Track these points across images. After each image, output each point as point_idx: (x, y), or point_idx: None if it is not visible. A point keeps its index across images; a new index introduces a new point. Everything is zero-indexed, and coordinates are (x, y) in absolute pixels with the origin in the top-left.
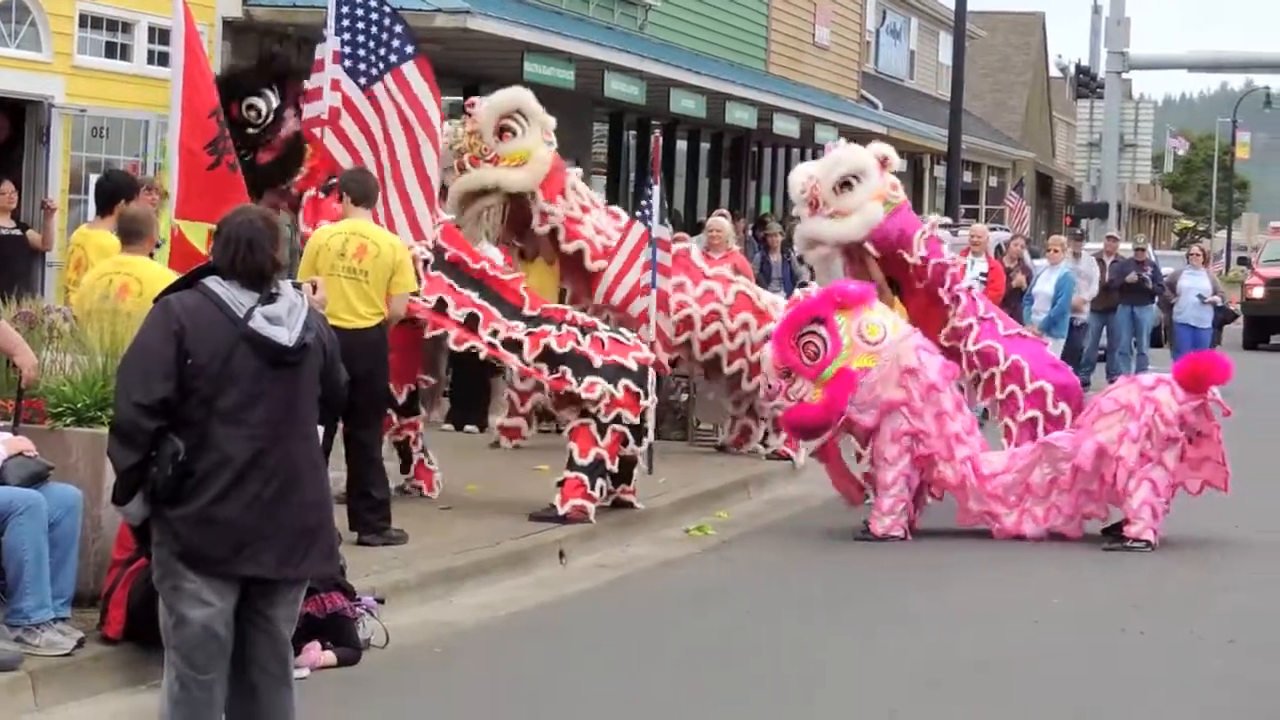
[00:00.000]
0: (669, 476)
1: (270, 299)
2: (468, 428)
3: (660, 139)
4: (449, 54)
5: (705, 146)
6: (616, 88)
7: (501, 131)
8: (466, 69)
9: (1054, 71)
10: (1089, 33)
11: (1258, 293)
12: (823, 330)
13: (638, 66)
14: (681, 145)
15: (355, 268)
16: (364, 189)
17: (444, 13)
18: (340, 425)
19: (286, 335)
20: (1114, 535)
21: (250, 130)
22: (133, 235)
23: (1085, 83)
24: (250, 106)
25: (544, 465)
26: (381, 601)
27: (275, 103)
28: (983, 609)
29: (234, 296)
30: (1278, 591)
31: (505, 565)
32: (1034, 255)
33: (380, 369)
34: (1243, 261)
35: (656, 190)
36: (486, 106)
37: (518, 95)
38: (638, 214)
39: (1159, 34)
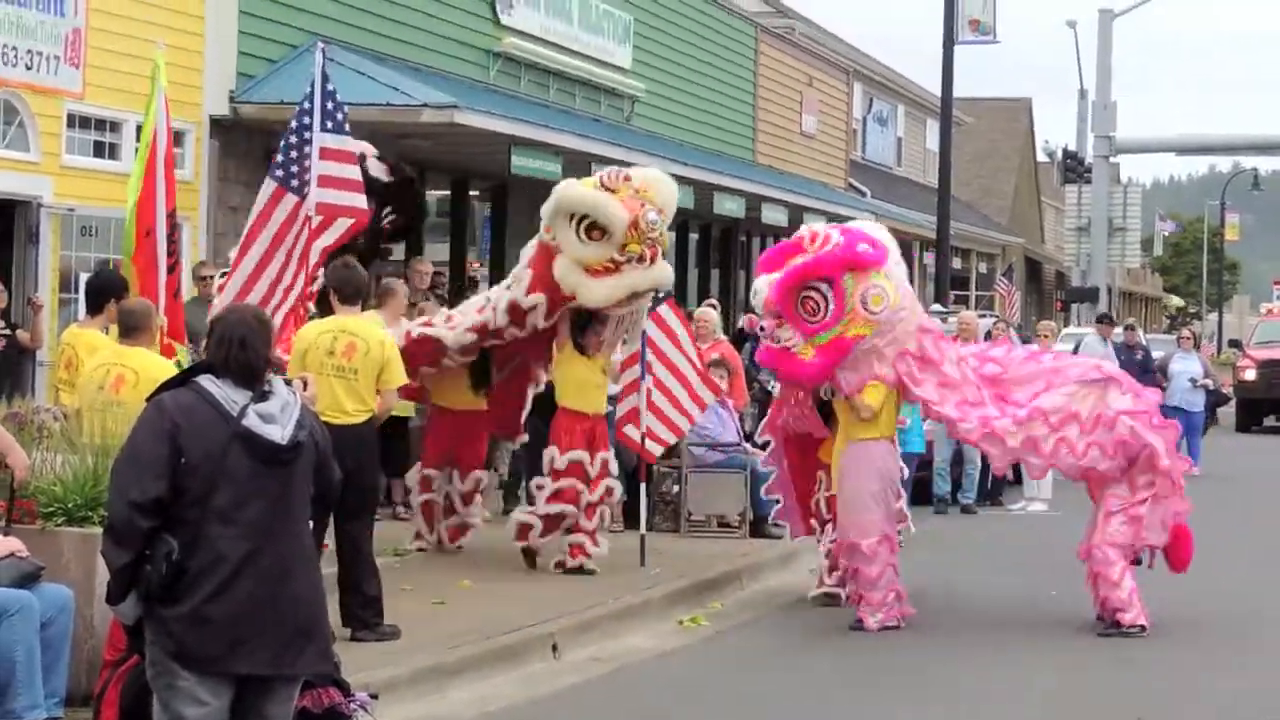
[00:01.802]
0: (662, 568)
1: (263, 396)
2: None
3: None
4: (437, 149)
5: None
6: None
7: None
8: (454, 163)
9: (1041, 157)
10: (1076, 117)
11: (1250, 375)
12: (828, 291)
13: (624, 158)
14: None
15: (344, 366)
16: (352, 286)
17: (431, 108)
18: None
19: (280, 433)
20: (1108, 623)
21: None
22: (131, 329)
23: (1073, 167)
24: None
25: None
26: (375, 697)
27: None
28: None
29: (227, 395)
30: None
31: (498, 659)
32: (1024, 340)
33: (370, 463)
34: (1234, 344)
35: None
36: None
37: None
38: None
39: (1146, 118)
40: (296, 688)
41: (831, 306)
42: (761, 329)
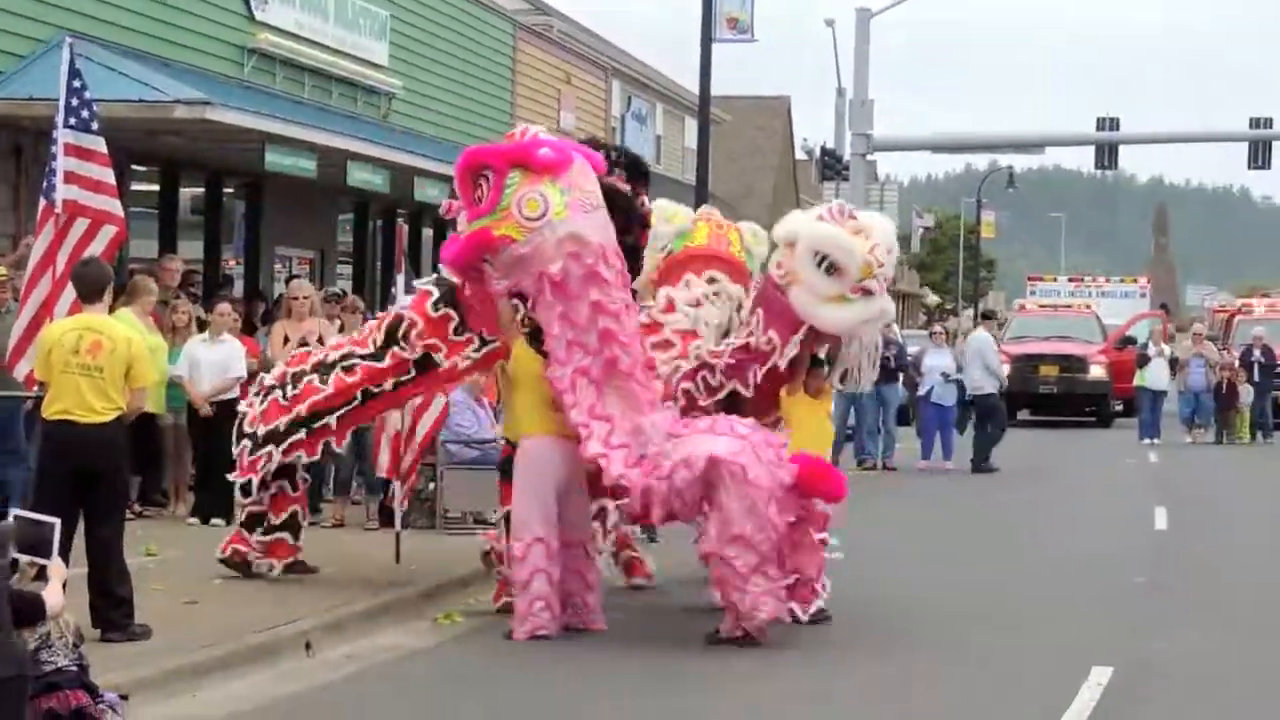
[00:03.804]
0: (418, 564)
1: None
2: (214, 520)
3: (405, 227)
4: (190, 145)
5: (451, 234)
6: (360, 177)
7: None
8: (208, 160)
9: (800, 155)
10: (834, 116)
11: (1004, 370)
12: (492, 179)
13: (381, 155)
14: (427, 233)
15: (89, 364)
16: (88, 284)
17: (183, 104)
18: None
19: None
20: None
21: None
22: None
23: (831, 165)
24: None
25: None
26: (125, 698)
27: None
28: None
29: None
30: None
31: (251, 658)
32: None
33: (120, 463)
34: None
35: (401, 279)
36: None
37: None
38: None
39: (904, 116)
40: None
41: (488, 197)
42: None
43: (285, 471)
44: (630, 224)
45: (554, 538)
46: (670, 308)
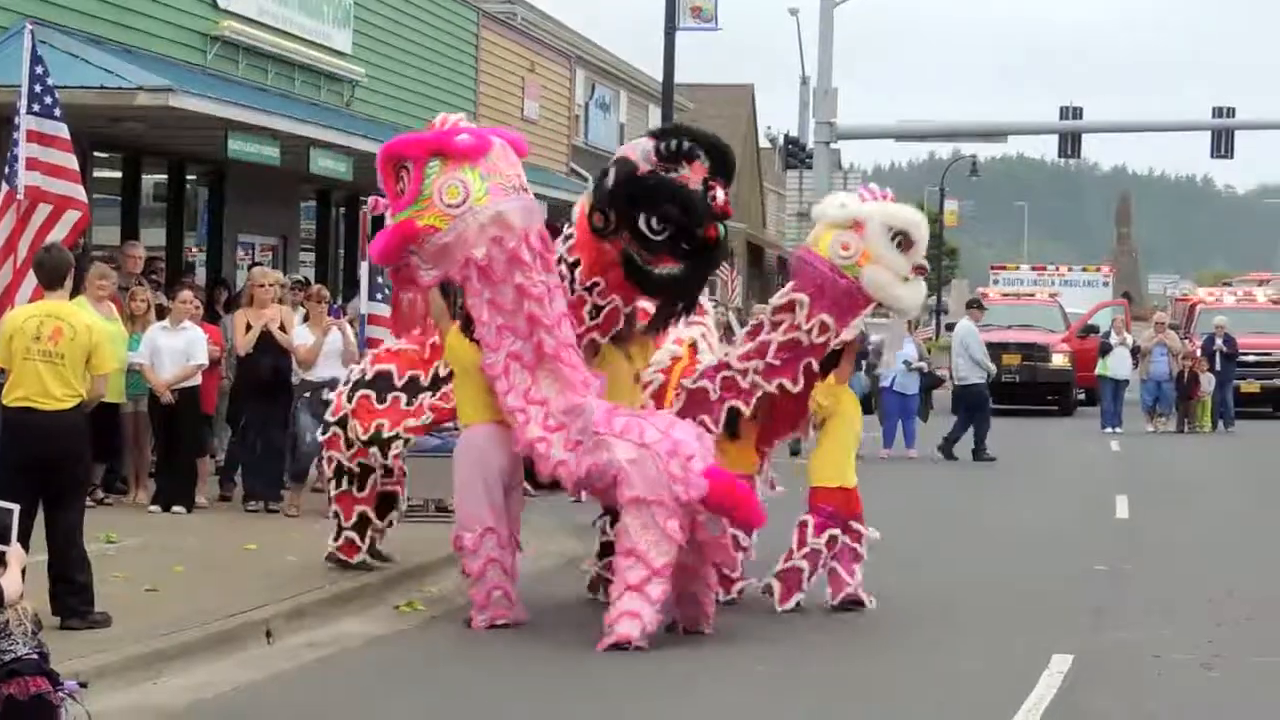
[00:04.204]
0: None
1: None
2: (175, 508)
3: (369, 215)
4: (152, 132)
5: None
6: (323, 164)
7: None
8: (171, 147)
9: (763, 143)
10: (798, 104)
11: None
12: (412, 170)
13: (344, 143)
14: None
15: (51, 351)
16: (47, 271)
17: (146, 91)
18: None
19: None
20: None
21: (651, 238)
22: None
23: (794, 153)
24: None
25: (252, 544)
26: (84, 685)
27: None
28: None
29: None
30: None
31: (212, 646)
32: (742, 324)
33: (80, 450)
34: (950, 328)
35: (366, 266)
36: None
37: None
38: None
39: (869, 105)
40: None
41: (409, 188)
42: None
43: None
44: (689, 216)
45: (504, 525)
46: None
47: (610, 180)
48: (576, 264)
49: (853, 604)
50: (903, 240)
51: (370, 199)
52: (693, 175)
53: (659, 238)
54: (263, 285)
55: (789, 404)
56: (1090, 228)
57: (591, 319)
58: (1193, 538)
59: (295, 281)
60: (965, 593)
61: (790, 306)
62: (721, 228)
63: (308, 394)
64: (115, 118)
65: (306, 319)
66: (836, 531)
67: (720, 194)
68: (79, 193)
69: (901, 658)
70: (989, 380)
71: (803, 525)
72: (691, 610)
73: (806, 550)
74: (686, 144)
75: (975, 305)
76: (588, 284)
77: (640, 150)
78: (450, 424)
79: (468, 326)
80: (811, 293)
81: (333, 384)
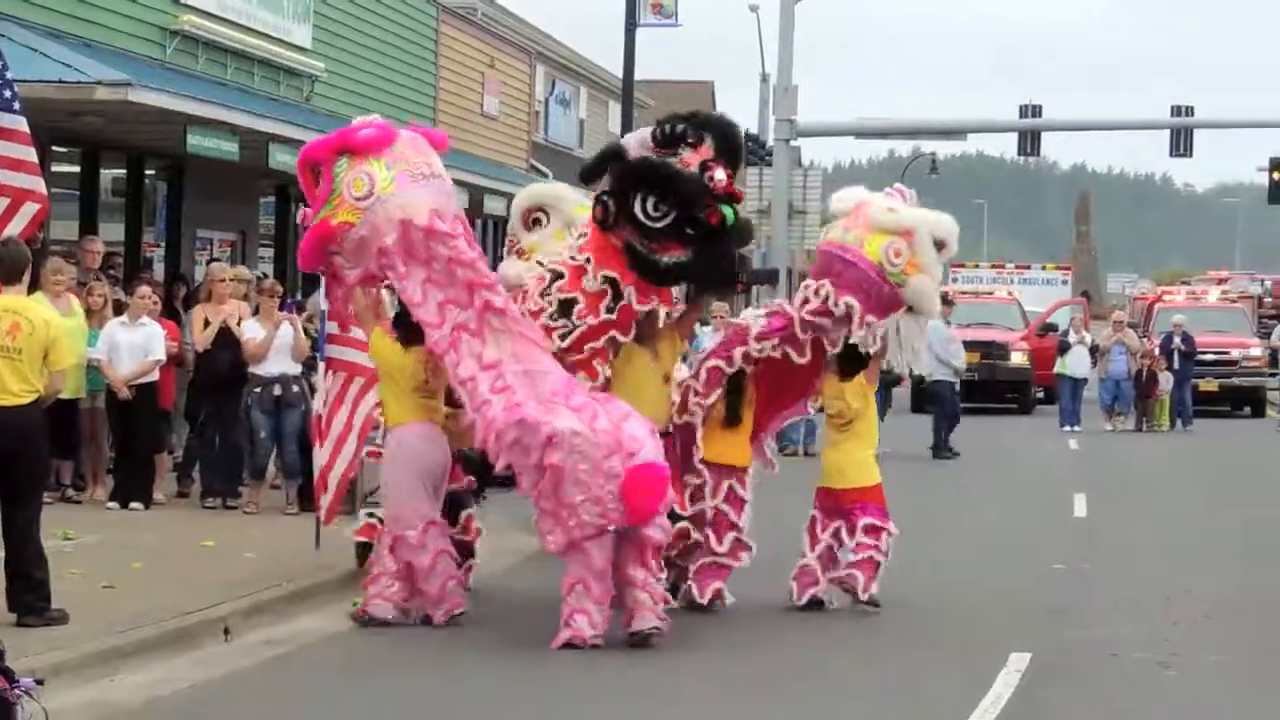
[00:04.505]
0: (337, 550)
1: None
2: (133, 505)
3: (301, 226)
4: (112, 127)
5: None
6: (282, 159)
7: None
8: (129, 141)
9: None
10: (757, 101)
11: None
12: (323, 171)
13: (303, 138)
14: None
15: (8, 345)
16: (14, 265)
17: (105, 85)
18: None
19: None
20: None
21: (651, 225)
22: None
23: (754, 150)
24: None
25: (210, 541)
26: (41, 683)
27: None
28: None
29: None
30: None
31: (169, 643)
32: (703, 323)
33: (38, 446)
34: None
35: None
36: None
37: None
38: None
39: (829, 102)
40: None
41: (321, 188)
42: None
43: None
44: (679, 198)
45: (437, 515)
46: None
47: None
48: (588, 260)
49: (816, 602)
50: (940, 249)
51: (300, 211)
52: (692, 159)
53: (659, 225)
54: (222, 280)
55: (793, 380)
56: (1049, 226)
57: (608, 313)
58: (1150, 537)
59: (259, 277)
60: (923, 591)
61: (826, 311)
62: (728, 210)
63: (258, 389)
64: (74, 112)
65: (256, 312)
66: (890, 526)
67: (720, 174)
68: (39, 185)
69: (859, 656)
70: (959, 376)
71: (851, 527)
72: (631, 603)
73: (863, 557)
74: (681, 127)
75: (944, 302)
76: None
77: (637, 137)
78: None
79: (401, 321)
80: (861, 298)
81: (283, 379)
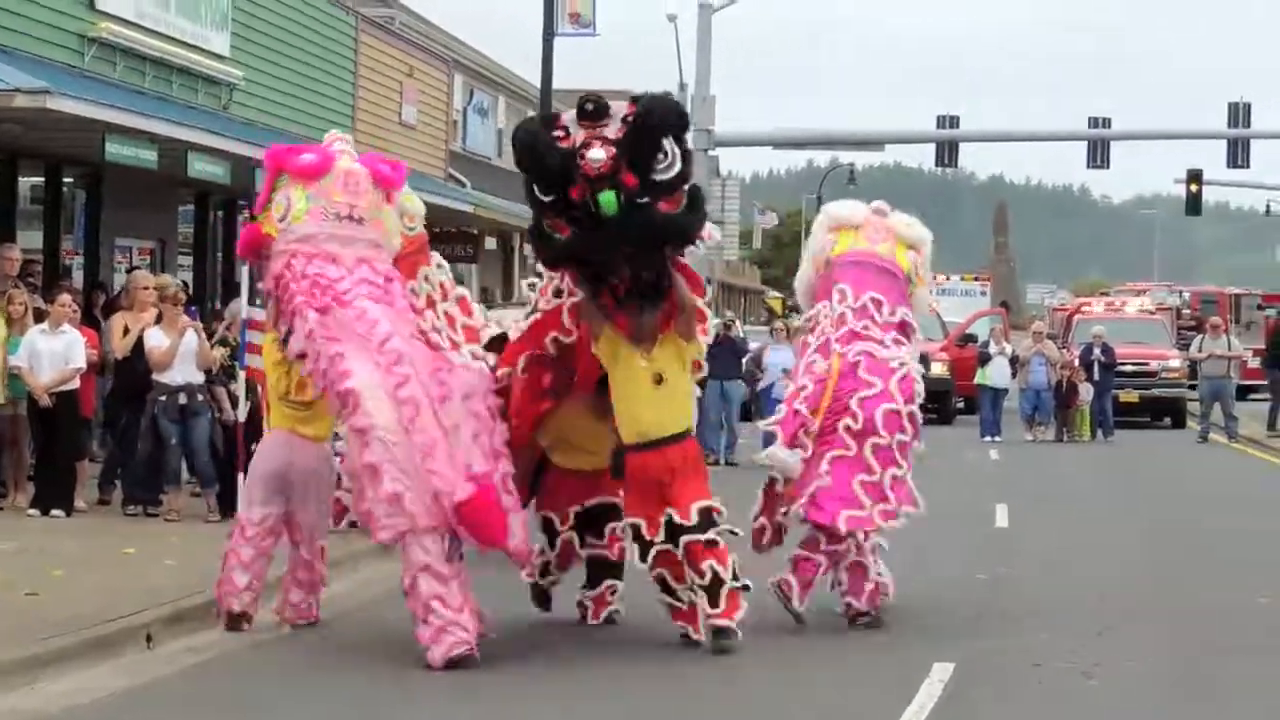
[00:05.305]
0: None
1: None
2: (54, 512)
3: (248, 219)
4: (30, 134)
5: None
6: (200, 168)
7: None
8: (47, 149)
9: None
10: None
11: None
12: (267, 180)
13: (221, 146)
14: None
15: None
16: None
17: (23, 93)
18: None
19: None
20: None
21: (655, 176)
22: None
23: None
24: (659, 149)
25: (130, 549)
26: None
27: (678, 151)
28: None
29: None
30: None
31: (91, 651)
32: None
33: None
34: None
35: (246, 270)
36: None
37: None
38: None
39: (747, 112)
40: None
41: (263, 195)
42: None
43: None
44: (547, 178)
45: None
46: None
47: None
48: None
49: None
50: None
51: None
52: (582, 137)
53: (546, 202)
54: (145, 288)
55: None
56: (967, 237)
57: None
58: (1072, 546)
59: (182, 285)
60: None
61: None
62: (605, 196)
63: (163, 397)
64: None
65: (159, 320)
66: None
67: (595, 155)
68: None
69: (781, 664)
70: None
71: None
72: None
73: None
74: (588, 104)
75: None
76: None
77: (569, 115)
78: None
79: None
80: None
81: (188, 388)
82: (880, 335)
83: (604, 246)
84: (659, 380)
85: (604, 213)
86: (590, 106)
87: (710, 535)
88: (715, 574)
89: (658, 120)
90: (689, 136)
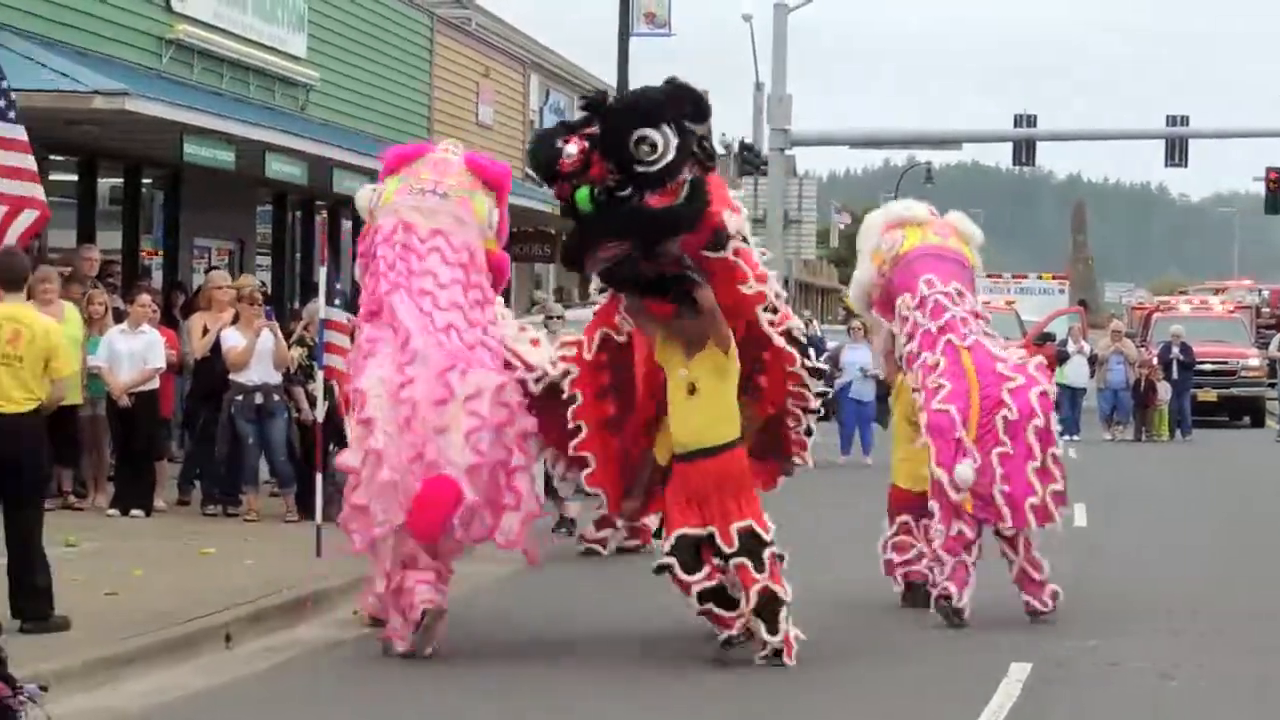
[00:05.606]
0: (336, 558)
1: None
2: (134, 512)
3: (325, 220)
4: (107, 136)
5: None
6: (278, 168)
7: None
8: (126, 150)
9: (718, 149)
10: (752, 110)
11: None
12: None
13: (298, 147)
14: (347, 225)
15: (10, 354)
16: (16, 273)
17: (102, 94)
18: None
19: None
20: None
21: (639, 168)
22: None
23: (749, 160)
24: (644, 140)
25: (210, 549)
26: (45, 689)
27: (674, 141)
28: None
29: None
30: None
31: (171, 650)
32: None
33: (38, 452)
34: None
35: (324, 271)
36: None
37: None
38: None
39: (824, 112)
40: None
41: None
42: None
43: None
44: (546, 180)
45: None
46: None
47: None
48: None
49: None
50: None
51: None
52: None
53: (560, 204)
54: (220, 289)
55: None
56: (1045, 236)
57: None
58: (1150, 545)
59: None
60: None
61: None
62: (580, 191)
63: (240, 397)
64: (71, 121)
65: (236, 320)
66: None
67: (566, 150)
68: (38, 192)
69: (860, 666)
70: None
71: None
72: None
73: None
74: (588, 100)
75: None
76: None
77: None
78: None
79: None
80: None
81: (264, 388)
82: (976, 325)
83: (586, 243)
84: (691, 390)
85: (579, 209)
86: (586, 103)
87: (750, 558)
88: (765, 597)
89: (620, 111)
90: (700, 127)
